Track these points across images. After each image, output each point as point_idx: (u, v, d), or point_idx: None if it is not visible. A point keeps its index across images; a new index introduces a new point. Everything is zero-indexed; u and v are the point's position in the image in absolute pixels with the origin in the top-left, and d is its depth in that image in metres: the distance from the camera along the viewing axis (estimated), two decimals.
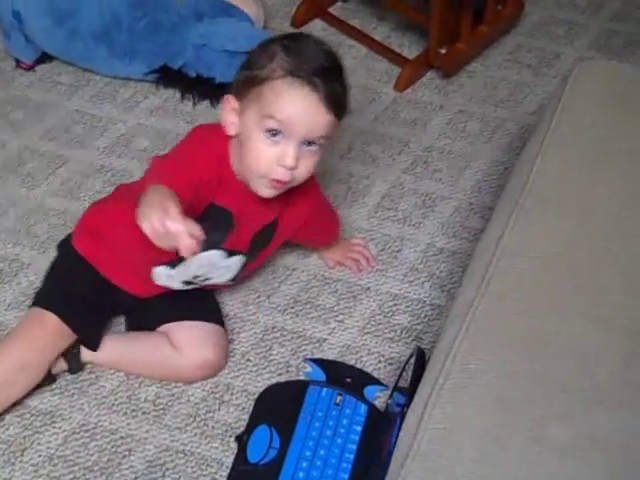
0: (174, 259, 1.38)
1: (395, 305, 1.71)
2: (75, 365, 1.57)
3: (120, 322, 1.64)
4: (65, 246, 1.63)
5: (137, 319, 1.63)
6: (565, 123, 1.52)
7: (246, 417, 1.52)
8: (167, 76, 2.10)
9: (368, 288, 1.73)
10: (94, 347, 1.57)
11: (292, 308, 1.70)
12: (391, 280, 1.75)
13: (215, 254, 1.39)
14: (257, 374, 1.59)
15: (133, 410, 1.54)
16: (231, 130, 1.45)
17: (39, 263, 1.71)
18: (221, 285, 1.60)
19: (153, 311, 1.60)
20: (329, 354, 1.62)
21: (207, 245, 1.34)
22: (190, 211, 1.32)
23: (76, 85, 2.12)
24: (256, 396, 1.55)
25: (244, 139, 1.43)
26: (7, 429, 1.50)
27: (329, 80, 1.39)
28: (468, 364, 1.20)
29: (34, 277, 1.71)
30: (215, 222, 1.46)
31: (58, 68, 2.15)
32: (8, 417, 1.52)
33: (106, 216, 1.60)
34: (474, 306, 1.27)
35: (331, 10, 2.32)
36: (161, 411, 1.54)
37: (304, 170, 1.44)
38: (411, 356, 1.47)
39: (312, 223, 1.65)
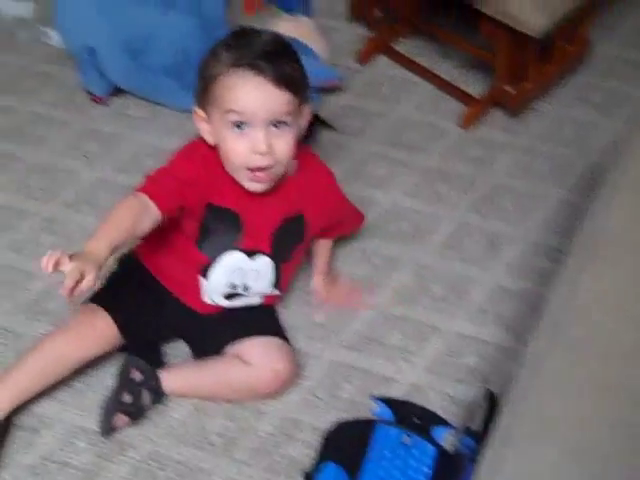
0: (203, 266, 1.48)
1: (463, 346, 1.71)
2: (157, 397, 1.58)
3: (186, 351, 1.67)
4: (127, 256, 1.69)
5: (202, 343, 1.65)
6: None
7: (313, 453, 1.53)
8: None
9: (435, 328, 1.74)
10: (154, 360, 1.61)
11: (359, 345, 1.70)
12: (459, 320, 1.75)
13: (234, 255, 1.45)
14: (325, 411, 1.60)
15: (202, 442, 1.55)
16: (209, 139, 1.52)
17: None
18: (273, 297, 1.64)
19: (217, 333, 1.63)
20: (396, 393, 1.62)
21: (222, 249, 1.41)
22: (187, 212, 1.48)
23: (147, 118, 2.17)
24: (323, 432, 1.55)
25: (219, 141, 1.50)
26: (79, 455, 1.53)
27: (274, 60, 1.44)
28: (543, 412, 1.19)
29: None
30: (222, 224, 1.54)
31: (130, 101, 2.20)
32: (82, 444, 1.54)
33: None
34: (549, 351, 1.27)
35: (396, 47, 2.33)
36: (229, 444, 1.55)
37: (281, 151, 1.48)
38: (481, 399, 1.48)
39: (337, 216, 1.70)
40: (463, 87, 2.22)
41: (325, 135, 2.11)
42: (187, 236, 1.56)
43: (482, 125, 2.15)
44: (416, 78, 2.27)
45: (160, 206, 1.44)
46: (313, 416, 1.59)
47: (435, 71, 2.26)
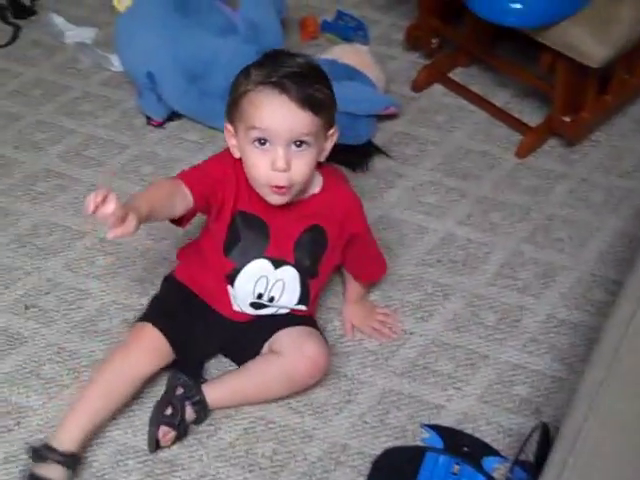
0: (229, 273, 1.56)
1: (514, 375, 1.69)
2: (203, 413, 1.59)
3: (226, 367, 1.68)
4: (168, 277, 1.74)
5: (242, 352, 1.65)
6: None
7: (361, 479, 1.52)
8: None
9: (487, 356, 1.72)
10: (193, 368, 1.63)
11: (410, 372, 1.69)
12: (510, 349, 1.73)
13: (259, 263, 1.56)
14: (374, 437, 1.59)
15: (250, 465, 1.55)
16: (235, 153, 1.56)
17: None
18: (301, 312, 1.65)
19: (253, 337, 1.64)
20: (446, 421, 1.61)
21: (249, 256, 1.54)
22: (216, 214, 1.57)
23: (202, 142, 2.18)
24: (372, 458, 1.55)
25: (242, 156, 1.56)
26: (130, 475, 1.54)
27: (300, 82, 1.47)
28: (598, 447, 1.17)
29: None
30: (250, 231, 1.60)
31: (186, 126, 2.23)
32: (131, 463, 1.55)
33: (191, 243, 1.75)
34: (605, 384, 1.24)
35: (452, 75, 2.33)
36: (278, 468, 1.55)
37: (298, 170, 1.52)
38: (534, 430, 1.46)
39: (357, 249, 1.68)
40: (519, 116, 2.21)
41: (379, 162, 2.12)
42: (216, 243, 1.61)
43: (538, 154, 2.14)
44: (471, 106, 2.26)
45: (193, 192, 1.51)
46: (362, 442, 1.58)
47: (490, 99, 2.26)
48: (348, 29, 2.43)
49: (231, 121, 1.56)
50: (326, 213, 1.62)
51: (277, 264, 1.60)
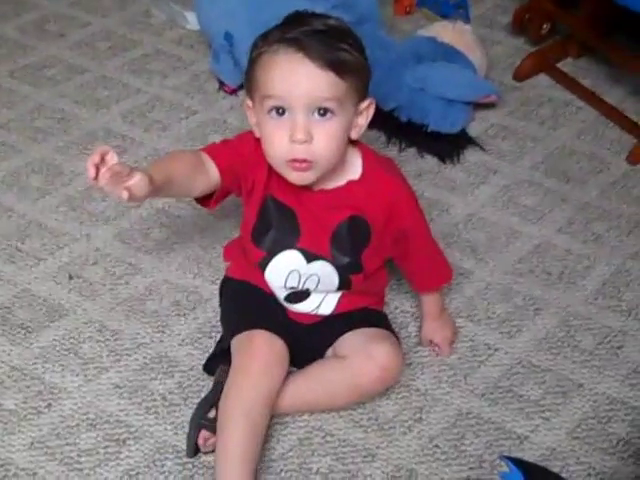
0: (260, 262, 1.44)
1: (612, 410, 1.50)
2: None
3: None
4: (225, 281, 1.57)
5: (300, 355, 1.47)
6: None
7: None
8: (376, 117, 1.98)
9: (581, 385, 1.53)
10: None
11: (491, 394, 1.51)
12: (609, 380, 1.54)
13: (289, 255, 1.41)
14: (445, 464, 1.42)
15: None
16: (256, 132, 1.39)
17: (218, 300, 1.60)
18: (346, 303, 1.47)
19: (315, 340, 1.48)
20: (530, 455, 1.43)
21: (279, 246, 1.41)
22: (248, 195, 1.41)
23: None
24: None
25: (260, 132, 1.37)
26: (167, 477, 1.38)
27: (322, 40, 1.27)
28: None
29: (212, 313, 1.60)
30: (279, 219, 1.42)
31: None
32: (169, 464, 1.40)
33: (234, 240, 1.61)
34: None
35: (560, 66, 2.18)
36: None
37: (322, 142, 1.32)
38: (631, 477, 1.27)
39: (408, 249, 1.48)
40: (634, 117, 2.03)
41: (472, 154, 1.96)
42: (247, 228, 1.43)
43: None
44: (580, 102, 2.10)
45: (220, 166, 1.37)
46: (431, 468, 1.41)
47: (602, 96, 2.09)
48: (448, 6, 2.28)
49: (249, 93, 1.38)
50: (367, 203, 1.41)
51: (310, 258, 1.41)
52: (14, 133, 1.96)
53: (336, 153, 1.35)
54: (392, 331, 1.51)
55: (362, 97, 1.36)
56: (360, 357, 1.42)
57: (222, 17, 2.03)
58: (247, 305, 1.49)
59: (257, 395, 1.35)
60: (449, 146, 1.94)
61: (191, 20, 2.22)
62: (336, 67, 1.28)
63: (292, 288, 1.45)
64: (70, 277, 1.66)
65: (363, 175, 1.42)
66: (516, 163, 1.95)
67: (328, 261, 1.43)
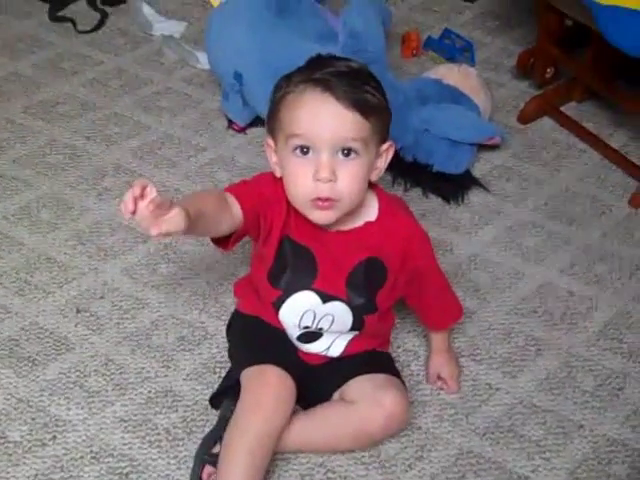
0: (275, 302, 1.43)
1: (612, 452, 1.49)
2: None
3: None
4: (234, 315, 1.57)
5: (307, 395, 1.47)
6: None
7: None
8: None
9: (581, 426, 1.53)
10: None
11: (492, 434, 1.51)
12: (610, 421, 1.53)
13: (305, 295, 1.41)
14: None
15: None
16: (277, 172, 1.39)
17: (224, 335, 1.60)
18: (357, 344, 1.48)
19: (322, 381, 1.47)
20: None
21: (295, 286, 1.40)
22: (265, 236, 1.39)
23: None
24: None
25: (283, 171, 1.37)
26: None
27: (348, 81, 1.28)
28: None
29: (217, 349, 1.60)
30: (296, 260, 1.42)
31: None
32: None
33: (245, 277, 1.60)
34: None
35: (564, 109, 2.18)
36: None
37: (345, 182, 1.32)
38: None
39: (422, 287, 1.49)
40: (636, 161, 2.03)
41: (476, 195, 1.97)
42: (264, 268, 1.42)
43: None
44: (583, 145, 2.10)
45: (243, 207, 1.34)
46: None
47: (606, 139, 2.09)
48: (454, 49, 2.30)
49: (271, 133, 1.38)
50: (384, 244, 1.42)
51: (326, 299, 1.41)
52: (27, 168, 1.97)
53: (358, 194, 1.36)
54: (398, 374, 1.51)
55: (383, 139, 1.37)
56: (367, 403, 1.42)
57: (232, 57, 2.04)
58: (258, 339, 1.49)
59: (266, 430, 1.35)
60: (453, 187, 1.95)
61: (202, 60, 2.23)
62: (361, 107, 1.29)
63: (306, 327, 1.45)
64: (77, 311, 1.67)
65: (379, 216, 1.42)
66: (519, 204, 1.95)
67: (343, 301, 1.43)
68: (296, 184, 1.33)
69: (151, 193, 1.17)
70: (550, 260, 1.83)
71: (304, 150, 1.31)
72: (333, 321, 1.44)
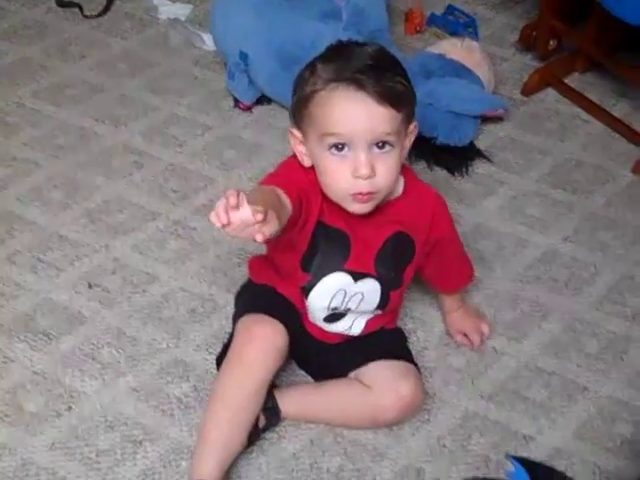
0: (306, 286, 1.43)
1: (617, 412, 1.52)
2: (274, 420, 1.46)
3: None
4: (246, 285, 1.59)
5: (321, 371, 1.52)
6: None
7: None
8: None
9: (586, 388, 1.55)
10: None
11: (497, 396, 1.54)
12: (614, 383, 1.56)
13: (338, 277, 1.42)
14: (452, 463, 1.44)
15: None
16: (306, 162, 1.40)
17: (233, 306, 1.62)
18: (376, 322, 1.50)
19: (339, 359, 1.50)
20: (536, 454, 1.45)
21: (328, 269, 1.41)
22: (299, 226, 1.35)
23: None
24: None
25: (316, 165, 1.38)
26: (181, 477, 1.41)
27: (377, 75, 1.29)
28: None
29: (225, 321, 1.62)
30: (331, 243, 1.43)
31: (274, 111, 2.11)
32: (185, 464, 1.42)
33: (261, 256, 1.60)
34: None
35: (567, 81, 2.18)
36: None
37: (384, 175, 1.35)
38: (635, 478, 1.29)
39: (442, 254, 1.53)
40: (639, 129, 2.04)
41: (480, 167, 1.98)
42: (295, 254, 1.43)
43: None
44: (586, 115, 2.11)
45: (291, 197, 1.30)
46: (438, 467, 1.44)
47: (609, 109, 2.10)
48: (457, 25, 2.30)
49: (298, 125, 1.38)
50: (412, 218, 1.45)
51: (357, 277, 1.43)
52: (37, 150, 2.00)
53: (395, 181, 1.39)
54: (412, 357, 1.53)
55: (410, 121, 1.39)
56: (386, 391, 1.45)
57: (237, 37, 2.06)
58: (264, 299, 1.50)
59: (247, 384, 1.37)
60: (458, 159, 1.96)
61: (207, 41, 2.25)
62: (393, 101, 1.31)
63: (334, 309, 1.46)
64: (89, 286, 1.70)
65: (406, 190, 1.45)
66: (523, 175, 1.97)
67: (374, 277, 1.45)
68: (334, 180, 1.35)
69: (243, 202, 1.13)
70: (554, 228, 1.85)
71: (339, 147, 1.33)
72: (362, 299, 1.45)
